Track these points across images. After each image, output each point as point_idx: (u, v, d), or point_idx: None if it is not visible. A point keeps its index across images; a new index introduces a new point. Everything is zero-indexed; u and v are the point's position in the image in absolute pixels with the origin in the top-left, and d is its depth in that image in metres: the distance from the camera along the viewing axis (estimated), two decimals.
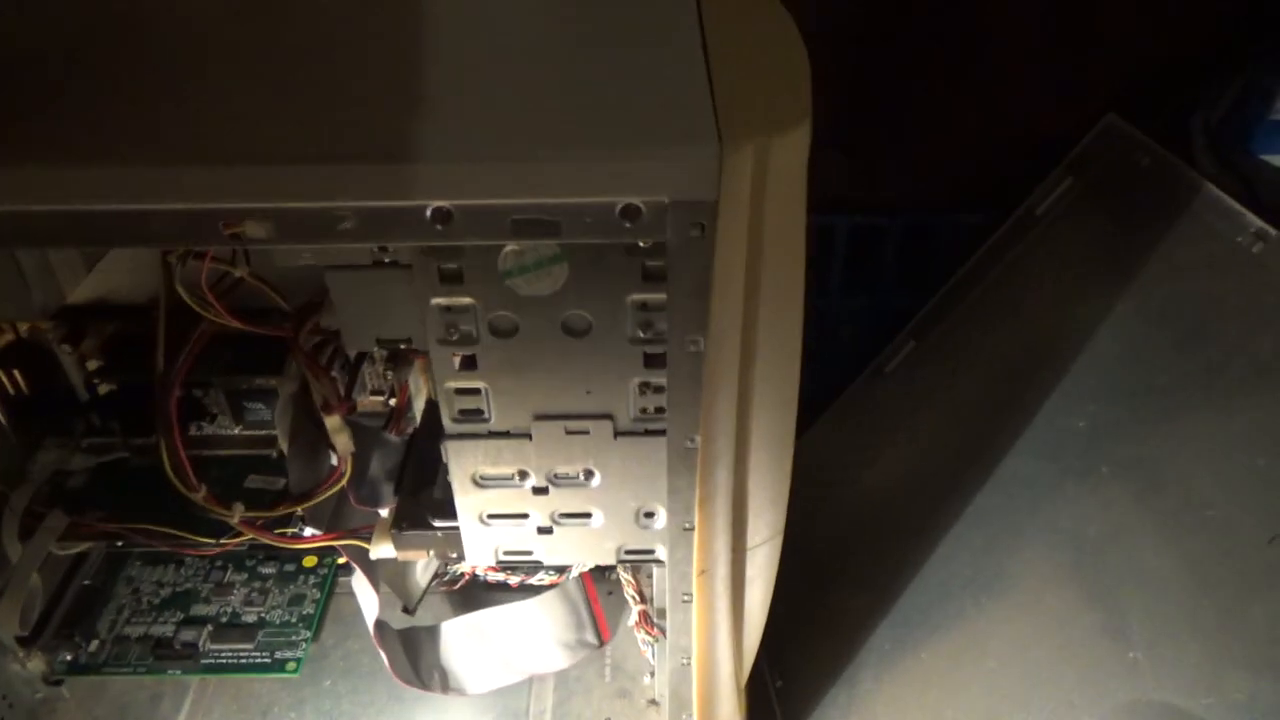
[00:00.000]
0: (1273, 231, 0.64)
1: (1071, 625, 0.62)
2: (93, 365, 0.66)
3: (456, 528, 0.54)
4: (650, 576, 0.68)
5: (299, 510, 0.57)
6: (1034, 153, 0.76)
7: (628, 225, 0.39)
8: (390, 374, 0.64)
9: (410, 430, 0.64)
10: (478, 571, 0.75)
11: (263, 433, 0.70)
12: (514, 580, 0.70)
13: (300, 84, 0.42)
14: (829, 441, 0.85)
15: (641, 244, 0.42)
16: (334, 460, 0.61)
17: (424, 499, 0.56)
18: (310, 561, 0.79)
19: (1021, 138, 0.77)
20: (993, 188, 0.79)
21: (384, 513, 0.62)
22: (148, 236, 0.38)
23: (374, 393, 0.67)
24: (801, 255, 0.42)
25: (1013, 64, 0.75)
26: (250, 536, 0.61)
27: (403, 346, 0.47)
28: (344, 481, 0.56)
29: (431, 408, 0.64)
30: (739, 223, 0.40)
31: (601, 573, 0.73)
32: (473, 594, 0.78)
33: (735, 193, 0.38)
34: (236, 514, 0.56)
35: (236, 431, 0.71)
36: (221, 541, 0.63)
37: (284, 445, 0.58)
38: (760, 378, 0.45)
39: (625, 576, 0.67)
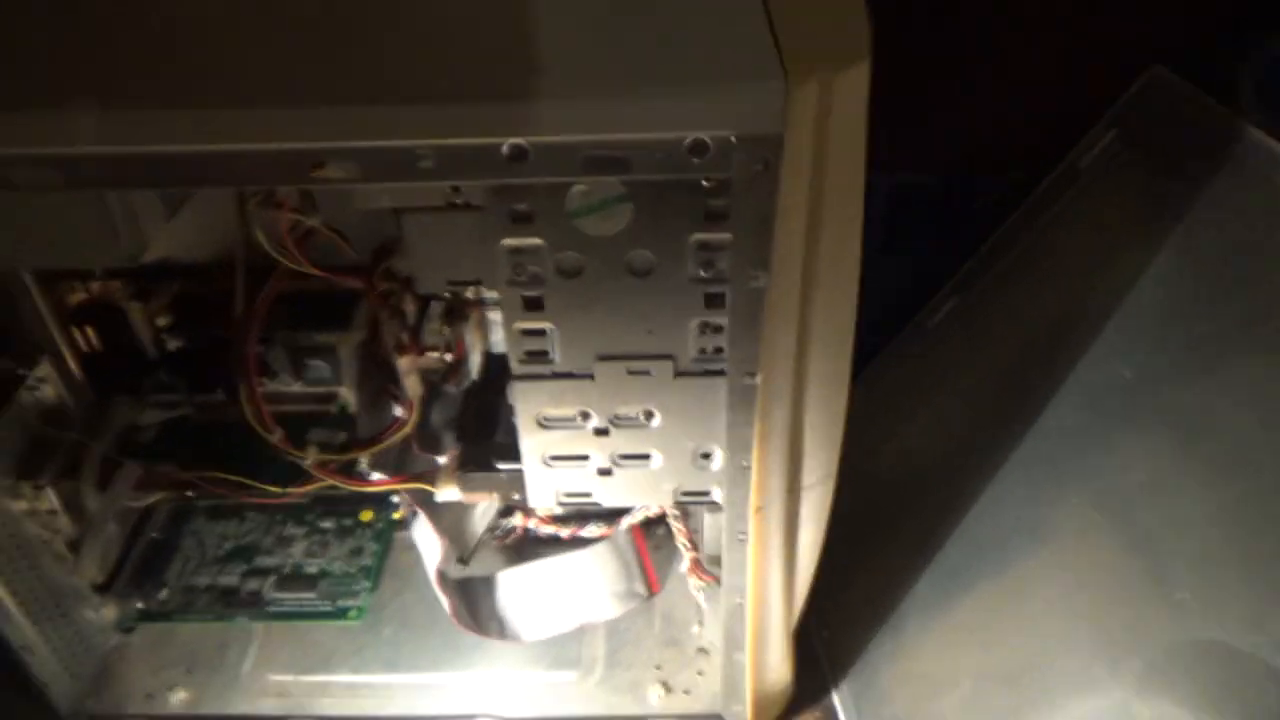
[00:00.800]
0: None
1: (1116, 570, 0.63)
2: (162, 322, 0.69)
3: (519, 470, 0.56)
4: (699, 527, 0.69)
5: (366, 455, 0.60)
6: (1078, 108, 0.76)
7: (695, 161, 0.40)
8: (447, 329, 0.66)
9: (467, 383, 0.67)
10: (529, 525, 0.77)
11: (322, 389, 0.72)
12: (565, 533, 0.72)
13: (379, 32, 0.44)
14: (872, 396, 0.85)
15: (705, 183, 0.44)
16: (396, 411, 0.63)
17: (487, 444, 0.58)
18: (367, 516, 0.81)
19: (1064, 93, 0.77)
20: (1035, 144, 0.80)
21: (442, 461, 0.65)
22: (239, 176, 0.40)
23: (430, 349, 0.70)
24: (861, 191, 0.44)
25: (1056, 18, 0.76)
26: (315, 485, 0.64)
27: (469, 292, 0.48)
28: (409, 426, 0.58)
29: (487, 361, 0.66)
30: (802, 158, 0.41)
31: (650, 528, 0.75)
32: (525, 547, 0.80)
33: (799, 127, 0.40)
34: (310, 456, 0.58)
35: (296, 388, 0.73)
36: (288, 490, 0.65)
37: (348, 395, 0.60)
38: (819, 315, 0.47)
39: (676, 525, 0.68)
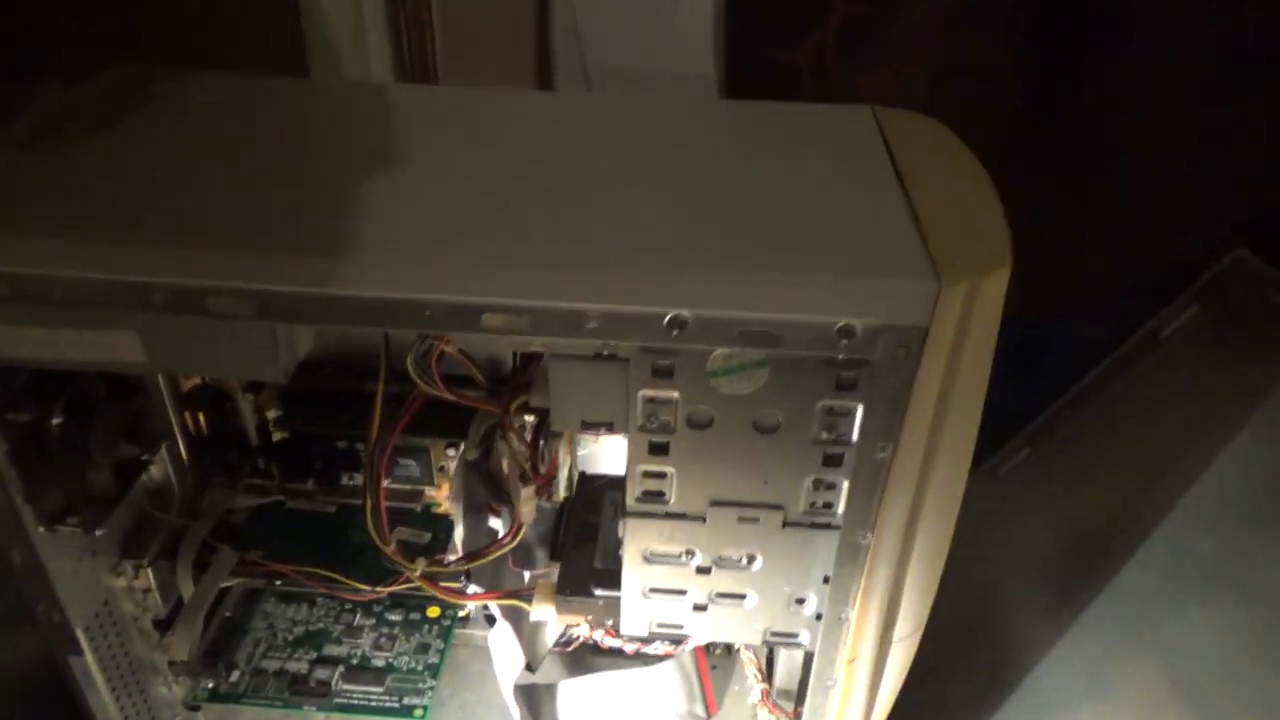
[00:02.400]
0: None
1: None
2: (270, 414, 0.72)
3: (617, 597, 0.58)
4: (770, 658, 0.71)
5: (468, 568, 0.62)
6: (1157, 276, 0.80)
7: (843, 343, 0.43)
8: (542, 445, 0.68)
9: (557, 498, 0.69)
10: (595, 636, 0.79)
11: (409, 487, 0.75)
12: (630, 648, 0.74)
13: (563, 212, 0.48)
14: None
15: (841, 357, 0.47)
16: (493, 523, 0.66)
17: (586, 567, 0.60)
18: (434, 612, 0.83)
19: (1147, 260, 0.81)
20: (1112, 304, 0.83)
21: (527, 576, 0.66)
22: (422, 322, 0.43)
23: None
24: (986, 380, 0.47)
25: (1147, 189, 0.80)
26: (404, 584, 0.66)
27: (603, 431, 0.51)
28: (513, 544, 0.60)
29: (582, 479, 0.68)
30: (942, 348, 0.44)
31: (710, 647, 0.76)
32: (585, 657, 0.81)
33: (944, 323, 0.43)
34: (419, 568, 0.60)
35: (387, 484, 0.75)
36: (377, 589, 0.67)
37: (454, 507, 0.62)
38: (935, 484, 0.49)
39: (748, 654, 0.70)
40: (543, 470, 0.63)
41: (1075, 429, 0.81)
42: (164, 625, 0.70)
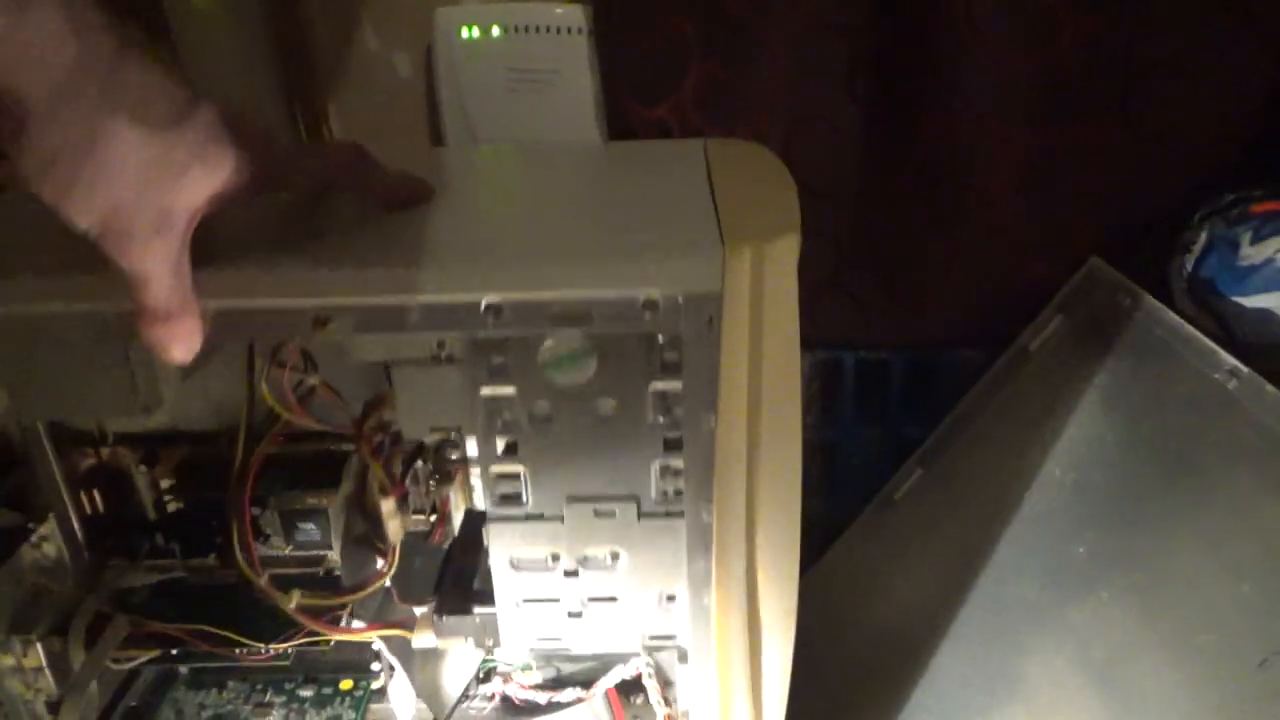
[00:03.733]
0: (1244, 369, 0.71)
1: None
2: (164, 484, 0.73)
3: (493, 613, 0.59)
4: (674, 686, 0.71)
5: (348, 603, 0.62)
6: (1024, 294, 0.85)
7: (648, 316, 0.47)
8: (434, 489, 0.70)
9: (449, 541, 0.70)
10: (507, 692, 0.78)
11: (312, 553, 0.76)
12: (543, 699, 0.73)
13: (392, 225, 0.52)
14: (843, 568, 0.89)
15: (660, 339, 0.50)
16: (378, 564, 0.67)
17: (465, 590, 0.61)
18: (347, 685, 0.82)
19: (1012, 281, 0.86)
20: (987, 326, 0.88)
21: (419, 612, 0.67)
22: (254, 332, 0.46)
23: (416, 512, 0.74)
24: (796, 349, 0.50)
25: (1003, 216, 0.85)
26: (299, 641, 0.66)
27: (454, 454, 0.54)
28: (389, 572, 0.61)
29: (467, 515, 0.70)
30: (740, 313, 0.47)
31: (629, 696, 0.76)
32: (503, 714, 0.80)
33: (736, 287, 0.46)
34: (293, 599, 0.61)
35: (287, 551, 0.76)
36: (271, 647, 0.67)
37: (335, 545, 0.64)
38: (766, 454, 0.51)
39: (651, 684, 0.70)
40: (419, 509, 0.65)
41: (961, 448, 0.84)
42: (57, 708, 0.69)
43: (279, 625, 0.68)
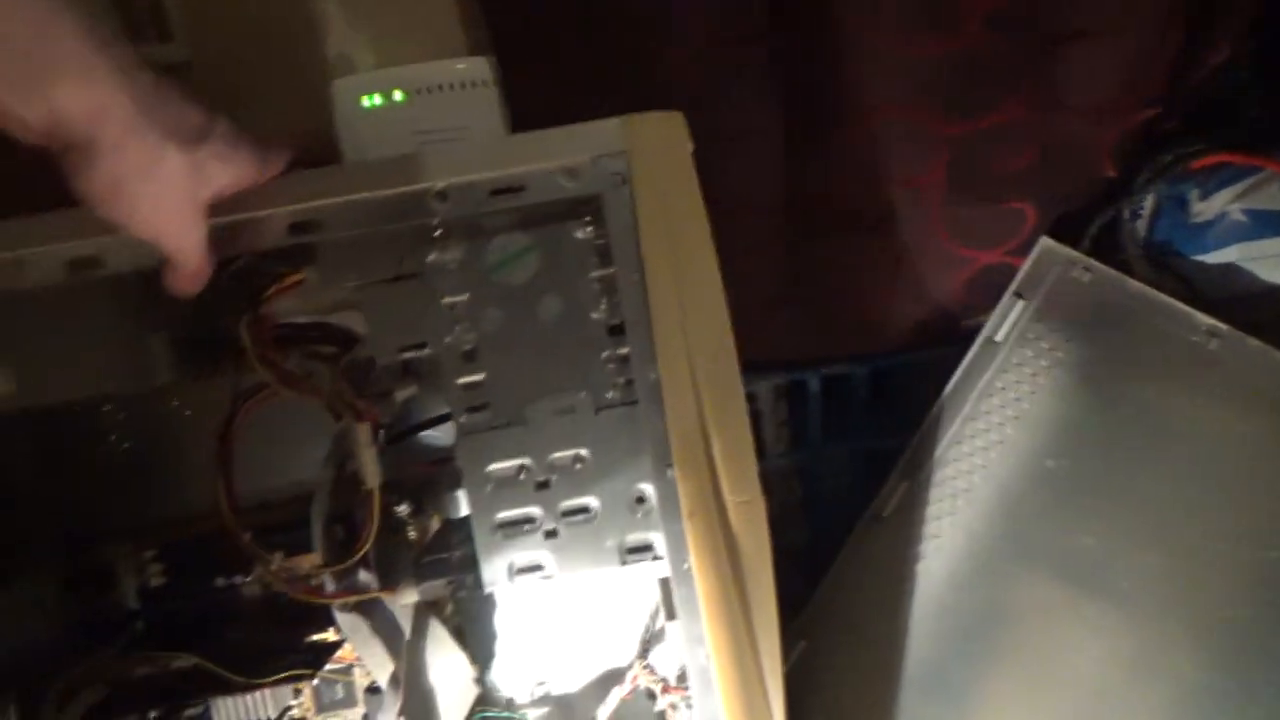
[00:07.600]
0: (1223, 327, 0.73)
1: None
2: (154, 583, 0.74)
3: (472, 553, 0.60)
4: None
5: (328, 571, 0.63)
6: (979, 285, 0.86)
7: (572, 184, 0.56)
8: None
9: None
10: None
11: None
12: None
13: None
14: (840, 596, 0.86)
15: (590, 227, 0.58)
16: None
17: (443, 552, 0.63)
18: None
19: (961, 273, 0.88)
20: (948, 322, 0.89)
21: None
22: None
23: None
24: (701, 209, 0.58)
25: (938, 207, 0.86)
26: (284, 674, 0.65)
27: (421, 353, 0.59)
28: (371, 538, 0.62)
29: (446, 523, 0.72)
30: (647, 170, 0.56)
31: None
32: None
33: (641, 146, 0.56)
34: (275, 560, 0.61)
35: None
36: (255, 681, 0.66)
37: (317, 527, 0.65)
38: (695, 310, 0.57)
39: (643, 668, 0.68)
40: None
41: (943, 452, 0.83)
42: None
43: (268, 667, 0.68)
